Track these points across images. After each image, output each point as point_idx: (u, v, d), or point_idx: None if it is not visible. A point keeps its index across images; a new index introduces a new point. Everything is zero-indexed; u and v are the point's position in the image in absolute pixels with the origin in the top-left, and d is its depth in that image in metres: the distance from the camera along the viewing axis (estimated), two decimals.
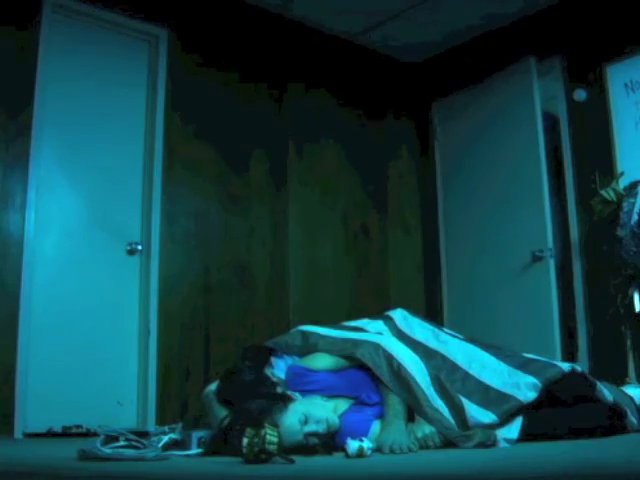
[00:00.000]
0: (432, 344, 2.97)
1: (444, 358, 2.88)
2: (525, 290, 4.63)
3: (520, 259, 4.65)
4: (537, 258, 4.52)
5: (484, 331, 4.40)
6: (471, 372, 2.79)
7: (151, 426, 3.75)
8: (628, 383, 3.65)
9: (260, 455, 2.09)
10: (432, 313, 5.10)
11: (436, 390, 2.66)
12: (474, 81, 5.12)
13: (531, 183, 4.64)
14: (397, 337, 2.93)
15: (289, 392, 2.56)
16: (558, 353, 4.35)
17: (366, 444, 2.26)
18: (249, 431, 2.11)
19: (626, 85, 4.41)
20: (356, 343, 2.79)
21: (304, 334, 2.95)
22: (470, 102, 5.13)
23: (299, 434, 2.40)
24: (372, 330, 3.01)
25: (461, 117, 5.21)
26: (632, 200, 4.03)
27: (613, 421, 2.74)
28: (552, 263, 4.50)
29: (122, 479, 1.96)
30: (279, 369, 2.82)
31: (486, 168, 4.95)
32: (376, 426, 2.58)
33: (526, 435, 2.60)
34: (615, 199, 4.14)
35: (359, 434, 2.39)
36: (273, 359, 2.87)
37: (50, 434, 3.76)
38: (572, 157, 4.66)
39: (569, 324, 4.91)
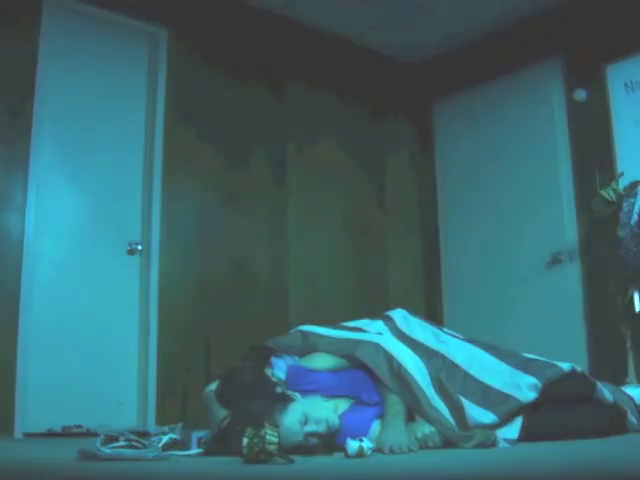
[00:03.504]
0: (432, 344, 2.97)
1: (444, 358, 2.87)
2: (544, 293, 4.57)
3: (538, 261, 4.58)
4: (557, 260, 4.45)
5: (491, 333, 4.39)
6: (471, 372, 2.78)
7: (151, 426, 3.75)
8: (628, 383, 3.65)
9: (260, 455, 2.09)
10: (432, 313, 5.10)
11: (436, 390, 2.66)
12: (476, 81, 5.12)
13: (549, 183, 4.59)
14: (397, 337, 2.93)
15: (289, 392, 2.55)
16: (585, 360, 4.29)
17: (366, 444, 2.26)
18: (249, 431, 2.11)
19: (626, 85, 4.41)
20: (356, 343, 2.78)
21: (304, 334, 2.95)
22: (473, 103, 5.12)
23: (299, 434, 2.40)
24: (372, 330, 3.00)
25: (462, 117, 5.20)
26: (632, 200, 4.03)
27: (613, 421, 2.74)
28: (574, 265, 4.37)
29: (122, 479, 1.96)
30: (279, 369, 2.81)
31: (493, 170, 4.92)
32: (376, 426, 2.58)
33: (526, 435, 2.60)
34: (615, 199, 4.14)
35: (359, 434, 2.39)
36: (273, 359, 2.86)
37: (50, 434, 3.75)
38: (572, 157, 4.66)
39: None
